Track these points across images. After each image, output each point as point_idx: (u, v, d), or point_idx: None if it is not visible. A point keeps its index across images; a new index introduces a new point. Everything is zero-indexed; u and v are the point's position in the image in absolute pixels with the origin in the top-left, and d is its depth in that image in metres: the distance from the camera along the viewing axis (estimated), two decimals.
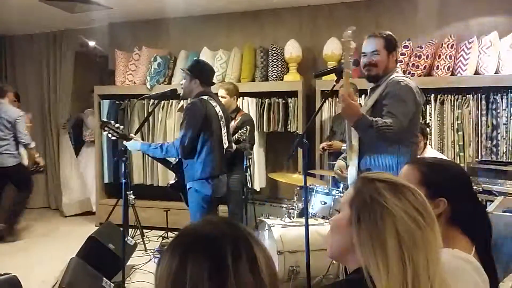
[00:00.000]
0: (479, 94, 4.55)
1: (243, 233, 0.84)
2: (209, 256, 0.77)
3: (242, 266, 0.78)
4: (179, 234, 0.86)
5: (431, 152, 3.93)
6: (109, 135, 3.61)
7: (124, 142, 3.51)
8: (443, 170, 1.50)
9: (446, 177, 1.47)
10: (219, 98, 4.31)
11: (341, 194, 3.75)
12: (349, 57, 2.52)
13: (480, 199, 3.56)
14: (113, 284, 3.47)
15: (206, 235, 0.82)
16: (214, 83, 3.67)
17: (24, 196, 5.47)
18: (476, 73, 4.61)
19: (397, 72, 2.75)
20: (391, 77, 2.67)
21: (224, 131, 3.56)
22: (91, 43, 7.24)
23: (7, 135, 5.15)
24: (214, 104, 3.47)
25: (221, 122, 3.51)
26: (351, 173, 2.78)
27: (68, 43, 6.73)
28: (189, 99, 3.72)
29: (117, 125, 3.60)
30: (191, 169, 3.38)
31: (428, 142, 4.04)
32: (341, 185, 3.98)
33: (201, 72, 3.48)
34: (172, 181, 3.67)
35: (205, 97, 3.43)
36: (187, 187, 3.45)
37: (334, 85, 2.70)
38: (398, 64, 3.06)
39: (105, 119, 4.05)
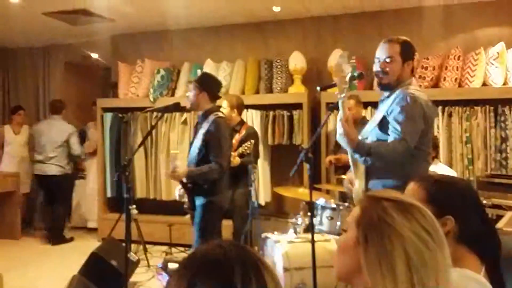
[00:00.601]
0: (487, 106, 4.49)
1: (253, 258, 0.82)
2: (218, 282, 0.76)
3: None
4: (189, 257, 0.85)
5: (440, 167, 3.85)
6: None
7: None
8: (449, 187, 1.47)
9: (453, 194, 1.44)
10: (223, 110, 4.29)
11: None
12: (344, 84, 2.43)
13: (489, 214, 3.49)
14: None
15: (215, 259, 0.80)
16: (220, 97, 3.65)
17: (62, 210, 5.84)
18: (484, 84, 4.55)
19: (410, 83, 2.52)
20: (401, 89, 2.47)
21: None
22: (94, 56, 7.25)
23: (58, 148, 5.71)
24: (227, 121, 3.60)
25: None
26: (358, 191, 2.70)
27: (68, 55, 6.73)
28: (192, 116, 3.68)
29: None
30: (215, 183, 3.37)
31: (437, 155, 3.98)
32: (348, 200, 3.90)
33: (210, 86, 3.47)
34: (186, 205, 3.54)
35: (221, 114, 3.50)
36: (204, 201, 3.37)
37: (351, 96, 2.64)
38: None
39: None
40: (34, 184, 6.27)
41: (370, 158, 2.40)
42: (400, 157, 2.37)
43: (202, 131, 3.37)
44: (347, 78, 2.45)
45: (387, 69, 2.49)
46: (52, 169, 5.71)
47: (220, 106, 3.87)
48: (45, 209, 6.06)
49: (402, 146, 2.35)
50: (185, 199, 3.52)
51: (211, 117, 3.38)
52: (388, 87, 2.55)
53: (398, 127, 2.38)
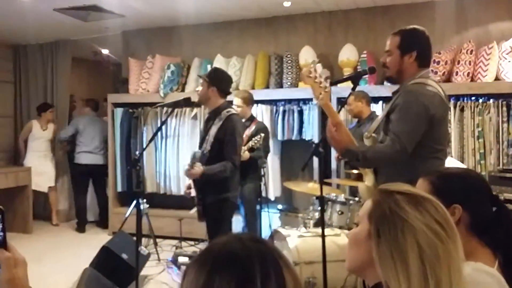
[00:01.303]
0: (500, 101, 4.44)
1: (272, 254, 0.81)
2: (237, 276, 0.75)
3: None
4: (208, 249, 0.83)
5: (447, 161, 3.79)
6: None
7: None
8: (452, 176, 1.49)
9: (457, 183, 1.45)
10: (235, 107, 4.27)
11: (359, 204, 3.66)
12: (319, 89, 2.32)
13: None
14: None
15: (235, 254, 0.79)
16: (230, 93, 3.58)
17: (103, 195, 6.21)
18: (497, 79, 4.51)
19: (421, 77, 2.36)
20: (407, 84, 2.36)
21: None
22: (104, 52, 7.28)
23: (103, 141, 6.15)
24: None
25: None
26: (362, 188, 2.68)
27: (78, 51, 6.79)
28: (202, 112, 3.67)
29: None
30: (227, 180, 3.34)
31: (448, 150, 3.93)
32: (358, 194, 3.89)
33: (219, 81, 3.42)
34: (194, 210, 3.50)
35: (233, 111, 3.48)
36: (215, 199, 3.33)
37: (351, 93, 2.59)
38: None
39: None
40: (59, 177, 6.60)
41: (359, 163, 2.36)
42: (392, 158, 2.29)
43: (214, 128, 3.34)
44: (323, 81, 2.34)
45: (386, 62, 2.43)
46: (99, 160, 6.15)
47: (231, 102, 3.84)
48: (79, 199, 6.33)
49: (394, 149, 2.25)
50: (193, 194, 3.52)
51: (224, 114, 3.35)
52: (391, 81, 2.50)
53: (395, 128, 2.30)
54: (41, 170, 6.27)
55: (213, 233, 3.39)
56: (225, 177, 3.30)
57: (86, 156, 6.14)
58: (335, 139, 2.34)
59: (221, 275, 0.75)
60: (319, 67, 2.35)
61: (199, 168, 3.23)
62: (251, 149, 4.08)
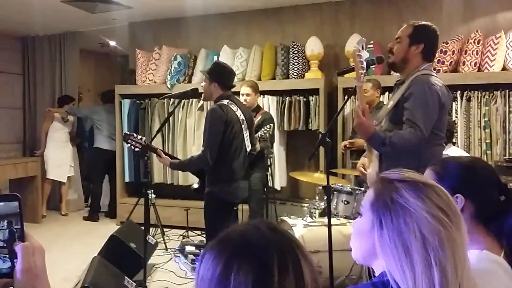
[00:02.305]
0: (507, 91, 4.41)
1: (290, 244, 0.80)
2: (256, 267, 0.75)
3: (288, 281, 0.74)
4: (225, 236, 0.82)
5: (452, 150, 3.80)
6: (132, 147, 3.49)
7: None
8: (457, 166, 1.46)
9: (460, 172, 1.42)
10: (244, 96, 4.28)
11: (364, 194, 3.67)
12: (361, 69, 2.38)
13: None
14: (134, 283, 3.47)
15: (253, 242, 0.78)
16: (234, 86, 3.52)
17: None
18: (504, 69, 4.48)
19: (426, 69, 2.49)
20: (416, 75, 2.46)
21: (246, 134, 3.45)
22: (112, 43, 7.31)
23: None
24: (234, 108, 3.37)
25: (243, 126, 3.41)
26: (372, 175, 2.70)
27: (86, 43, 6.82)
28: (209, 102, 3.66)
29: (139, 136, 3.50)
30: (212, 173, 3.31)
31: (454, 140, 3.93)
32: (364, 185, 3.90)
33: (220, 76, 3.38)
34: (196, 185, 3.57)
35: (225, 102, 3.33)
36: (206, 190, 3.35)
37: (368, 80, 2.61)
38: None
39: (127, 132, 4.00)
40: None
41: (385, 147, 2.38)
42: (414, 146, 2.35)
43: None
44: (365, 64, 2.42)
45: (394, 48, 2.53)
46: (114, 146, 6.17)
47: (235, 93, 3.81)
48: (95, 186, 6.40)
49: (417, 136, 2.33)
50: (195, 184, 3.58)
51: (212, 105, 3.37)
52: (394, 67, 2.59)
53: (412, 116, 2.36)
54: (61, 161, 6.40)
55: (206, 225, 3.40)
56: (214, 170, 3.27)
57: (106, 141, 6.25)
58: (365, 124, 2.37)
59: (239, 265, 0.75)
60: (364, 52, 2.40)
61: (166, 158, 3.36)
62: (259, 139, 4.08)
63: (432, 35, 2.52)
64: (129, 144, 3.49)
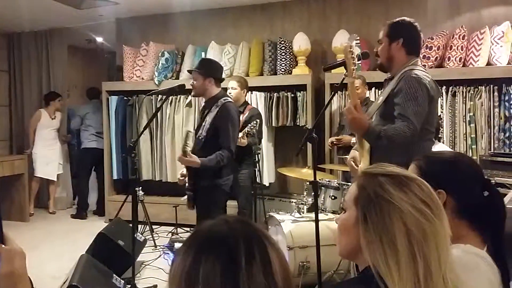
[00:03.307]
0: (492, 86, 4.47)
1: (257, 233, 0.82)
2: (222, 257, 0.77)
3: (256, 268, 0.76)
4: (195, 232, 0.85)
5: (439, 147, 3.85)
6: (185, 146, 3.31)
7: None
8: (439, 161, 1.47)
9: (443, 167, 1.42)
10: (230, 89, 4.30)
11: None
12: (352, 65, 2.41)
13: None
14: (123, 281, 3.47)
15: (220, 235, 0.81)
16: (224, 79, 3.60)
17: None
18: (488, 64, 4.53)
19: (413, 64, 2.51)
20: (404, 70, 2.49)
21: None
22: (98, 39, 7.25)
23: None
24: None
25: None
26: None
27: (72, 39, 6.77)
28: (197, 99, 3.65)
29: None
30: (220, 167, 3.34)
31: (439, 135, 3.98)
32: (352, 180, 3.93)
33: (214, 70, 3.43)
34: (188, 183, 3.47)
35: (229, 99, 3.47)
36: (208, 183, 3.34)
37: (344, 78, 2.63)
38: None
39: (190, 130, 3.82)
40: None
41: (381, 141, 2.41)
42: (408, 139, 2.38)
43: (211, 115, 3.35)
44: (356, 60, 2.46)
45: (377, 51, 2.60)
46: (101, 144, 6.14)
47: (226, 89, 3.84)
48: (82, 184, 6.36)
49: (410, 129, 2.36)
50: (186, 182, 3.51)
51: (221, 102, 3.36)
52: (382, 68, 2.64)
53: (404, 111, 2.39)
54: (50, 159, 6.35)
55: (203, 218, 3.39)
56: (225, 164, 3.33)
57: (94, 140, 6.24)
58: (358, 118, 2.40)
59: (206, 256, 0.76)
60: (355, 48, 2.43)
61: (195, 158, 3.23)
62: (247, 135, 4.09)
63: (408, 28, 2.56)
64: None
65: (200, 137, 3.39)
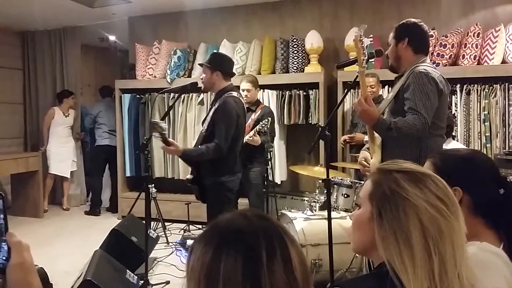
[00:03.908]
0: (507, 84, 4.42)
1: (277, 229, 0.82)
2: (244, 253, 0.76)
3: (277, 264, 0.76)
4: (213, 226, 0.84)
5: (452, 145, 3.82)
6: (157, 136, 3.39)
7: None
8: (455, 158, 1.46)
9: (458, 164, 1.42)
10: (245, 92, 4.29)
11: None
12: (362, 55, 2.45)
13: None
14: (136, 277, 3.49)
15: (241, 229, 0.80)
16: (234, 74, 3.61)
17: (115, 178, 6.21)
18: (503, 62, 4.48)
19: (422, 62, 2.57)
20: (412, 67, 2.54)
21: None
22: (111, 38, 7.30)
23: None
24: (241, 100, 3.49)
25: (245, 118, 3.53)
26: (376, 165, 2.71)
27: (85, 38, 6.83)
28: (209, 96, 3.67)
29: (165, 126, 3.39)
30: (221, 164, 3.33)
31: (453, 133, 3.95)
32: (365, 178, 3.91)
33: (221, 64, 3.43)
34: (190, 176, 3.56)
35: (235, 94, 3.41)
36: (212, 181, 3.37)
37: (357, 76, 2.63)
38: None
39: (154, 120, 3.82)
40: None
41: (391, 132, 2.43)
42: (419, 132, 2.40)
43: (213, 108, 3.37)
44: (366, 50, 2.48)
45: (387, 53, 2.69)
46: (114, 141, 6.19)
47: (237, 86, 3.83)
48: (96, 181, 6.42)
49: (421, 122, 2.38)
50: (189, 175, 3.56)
51: (224, 96, 3.35)
52: (393, 69, 2.72)
53: (414, 105, 2.42)
54: (64, 156, 6.43)
55: (210, 217, 3.41)
56: (220, 160, 3.29)
57: (107, 137, 6.30)
58: (368, 111, 2.44)
59: (227, 251, 0.76)
60: (365, 39, 2.47)
61: (176, 147, 3.31)
62: (258, 133, 4.10)
63: (413, 28, 2.63)
64: (156, 134, 3.32)
65: (203, 131, 3.42)
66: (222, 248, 0.77)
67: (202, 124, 3.52)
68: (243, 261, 0.75)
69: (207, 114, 3.48)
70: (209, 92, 5.18)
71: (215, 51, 4.97)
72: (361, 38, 2.44)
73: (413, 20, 2.65)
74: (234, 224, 0.82)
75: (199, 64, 3.74)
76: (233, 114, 3.31)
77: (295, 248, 0.81)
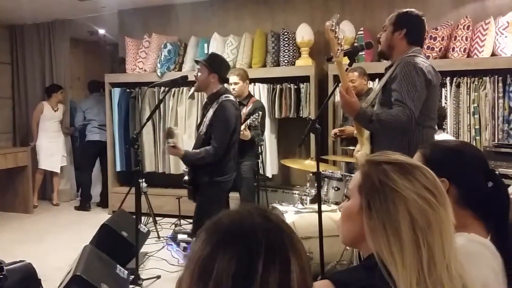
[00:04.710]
0: (496, 76, 4.44)
1: (281, 236, 0.78)
2: (240, 257, 0.74)
3: (273, 277, 0.73)
4: (217, 221, 0.82)
5: (442, 137, 3.83)
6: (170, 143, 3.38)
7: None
8: (444, 149, 1.46)
9: (447, 156, 1.42)
10: (232, 85, 4.27)
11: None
12: (337, 45, 2.39)
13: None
14: (126, 271, 3.48)
15: (243, 231, 0.78)
16: (228, 80, 3.63)
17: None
18: (493, 54, 4.50)
19: (413, 52, 2.51)
20: (402, 57, 2.50)
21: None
22: (101, 31, 7.23)
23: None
24: (236, 102, 3.51)
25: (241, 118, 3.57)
26: (363, 157, 2.71)
27: (75, 31, 6.76)
28: (203, 94, 3.65)
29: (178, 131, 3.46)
30: (217, 165, 3.35)
31: (444, 126, 3.96)
32: (355, 171, 3.92)
33: (220, 68, 3.41)
34: (187, 178, 3.55)
35: (232, 97, 3.44)
36: (206, 180, 3.37)
37: (347, 69, 2.62)
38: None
39: (172, 127, 3.86)
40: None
41: (373, 124, 2.41)
42: (404, 124, 2.36)
43: (211, 111, 3.35)
44: (341, 40, 2.42)
45: (379, 37, 2.63)
46: (104, 136, 6.14)
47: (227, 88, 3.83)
48: (85, 176, 6.37)
49: (405, 113, 2.35)
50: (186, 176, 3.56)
51: (221, 99, 3.35)
52: (383, 55, 2.66)
53: (400, 96, 2.38)
54: (53, 151, 6.38)
55: (201, 213, 3.41)
56: (218, 161, 3.32)
57: (97, 133, 6.26)
58: (349, 102, 2.42)
59: (224, 252, 0.74)
60: (339, 28, 2.40)
61: (180, 150, 3.34)
62: (248, 127, 4.09)
63: (414, 20, 2.58)
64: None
65: (201, 133, 3.41)
66: (219, 247, 0.76)
67: (199, 127, 3.53)
68: (236, 266, 0.73)
69: (204, 116, 3.45)
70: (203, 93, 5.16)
71: (214, 52, 4.92)
72: (333, 28, 2.36)
73: (416, 11, 2.59)
74: (238, 223, 0.80)
75: (195, 60, 3.71)
76: (231, 118, 3.35)
77: (297, 259, 0.77)
